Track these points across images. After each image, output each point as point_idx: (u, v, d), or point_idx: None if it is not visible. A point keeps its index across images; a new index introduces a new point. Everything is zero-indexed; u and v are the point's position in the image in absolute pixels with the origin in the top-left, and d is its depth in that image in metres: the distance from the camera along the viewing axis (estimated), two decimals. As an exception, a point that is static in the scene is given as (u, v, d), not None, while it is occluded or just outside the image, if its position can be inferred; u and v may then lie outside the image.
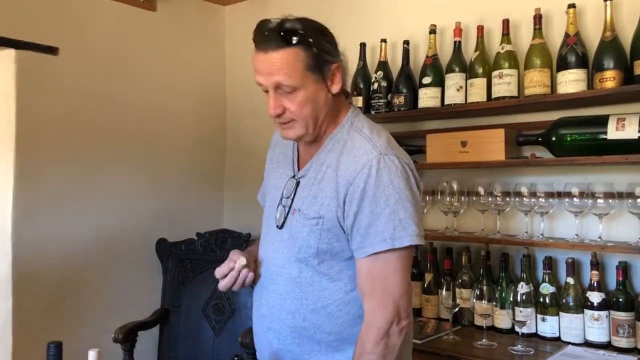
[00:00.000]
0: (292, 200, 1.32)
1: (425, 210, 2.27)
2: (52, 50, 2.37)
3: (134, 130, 2.70)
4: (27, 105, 2.30)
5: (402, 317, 1.22)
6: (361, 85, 2.39)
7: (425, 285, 2.23)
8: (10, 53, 2.29)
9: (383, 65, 2.36)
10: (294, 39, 1.20)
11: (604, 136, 1.78)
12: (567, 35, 1.91)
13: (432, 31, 2.24)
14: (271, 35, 1.21)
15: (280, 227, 1.34)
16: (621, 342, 1.78)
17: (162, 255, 2.72)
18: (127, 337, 2.24)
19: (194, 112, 2.99)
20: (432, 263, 2.25)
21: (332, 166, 1.27)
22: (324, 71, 1.26)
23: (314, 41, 1.23)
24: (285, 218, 1.33)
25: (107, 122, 2.59)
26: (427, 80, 2.21)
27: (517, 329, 1.88)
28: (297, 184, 1.33)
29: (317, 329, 1.29)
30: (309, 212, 1.27)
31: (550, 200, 1.96)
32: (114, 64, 2.62)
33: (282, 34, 1.20)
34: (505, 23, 2.06)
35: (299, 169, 1.37)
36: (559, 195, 1.94)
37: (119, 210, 2.62)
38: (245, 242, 2.68)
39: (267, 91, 1.26)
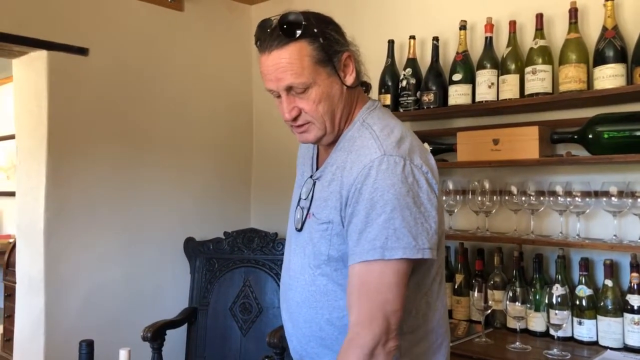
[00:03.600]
0: (311, 201, 1.24)
1: (455, 210, 2.22)
2: (82, 51, 2.41)
3: (163, 130, 2.72)
4: (58, 105, 2.34)
5: (390, 338, 1.07)
6: (389, 83, 2.35)
7: (456, 287, 2.19)
8: (42, 54, 2.33)
9: (412, 62, 2.32)
10: (297, 32, 1.12)
11: (644, 133, 1.72)
12: (604, 28, 1.84)
13: (463, 27, 2.19)
14: (273, 33, 1.14)
15: (300, 229, 1.26)
16: (663, 347, 1.71)
17: (190, 254, 2.74)
18: (156, 335, 2.26)
19: (222, 112, 2.99)
20: (463, 264, 2.20)
21: (340, 167, 1.18)
22: (335, 62, 1.17)
23: (319, 31, 1.15)
24: (304, 220, 1.25)
25: (136, 122, 2.61)
26: (457, 77, 2.16)
27: (552, 332, 1.82)
28: (314, 184, 1.26)
29: (334, 340, 1.19)
30: (320, 216, 1.19)
31: (587, 199, 1.89)
32: (142, 64, 2.64)
33: (283, 29, 1.13)
34: (539, 18, 2.00)
35: (317, 168, 1.30)
36: (596, 194, 1.88)
37: (148, 209, 2.64)
38: (272, 241, 2.67)
39: (278, 96, 1.19)
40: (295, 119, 1.19)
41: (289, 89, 1.16)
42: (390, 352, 1.07)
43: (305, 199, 1.26)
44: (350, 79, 1.20)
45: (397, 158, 1.11)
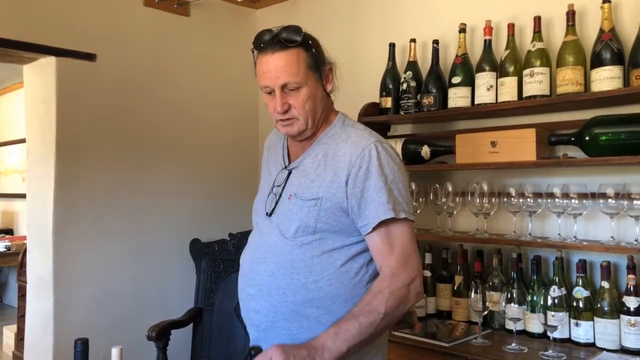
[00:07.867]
0: (283, 188, 1.43)
1: (455, 212, 2.24)
2: (90, 57, 2.47)
3: (169, 134, 2.77)
4: (66, 110, 2.40)
5: (420, 282, 1.33)
6: (390, 86, 2.38)
7: (455, 288, 2.20)
8: (51, 60, 2.39)
9: (412, 65, 2.34)
10: (297, 40, 1.33)
11: (640, 135, 1.72)
12: (601, 31, 1.85)
13: (462, 30, 2.21)
14: (275, 40, 1.34)
15: (270, 214, 1.43)
16: (659, 349, 1.71)
17: (196, 255, 2.78)
18: (161, 335, 2.30)
19: (228, 115, 3.03)
20: (462, 265, 2.22)
21: (329, 155, 1.39)
22: (322, 70, 1.40)
23: (312, 44, 1.38)
24: (276, 204, 1.43)
25: (142, 126, 2.66)
26: (456, 79, 2.18)
27: (548, 333, 1.83)
28: (289, 173, 1.44)
29: (307, 303, 1.34)
30: (306, 194, 1.37)
31: (584, 201, 1.89)
32: (149, 69, 2.70)
33: (284, 38, 1.33)
34: (537, 20, 2.01)
35: (289, 162, 1.48)
36: (593, 196, 1.88)
37: (154, 211, 2.69)
38: (276, 242, 2.70)
39: (269, 93, 1.37)
40: (285, 112, 1.38)
41: (284, 86, 1.34)
42: (419, 293, 1.33)
43: (278, 186, 1.45)
44: (329, 87, 1.44)
45: (386, 144, 1.39)
